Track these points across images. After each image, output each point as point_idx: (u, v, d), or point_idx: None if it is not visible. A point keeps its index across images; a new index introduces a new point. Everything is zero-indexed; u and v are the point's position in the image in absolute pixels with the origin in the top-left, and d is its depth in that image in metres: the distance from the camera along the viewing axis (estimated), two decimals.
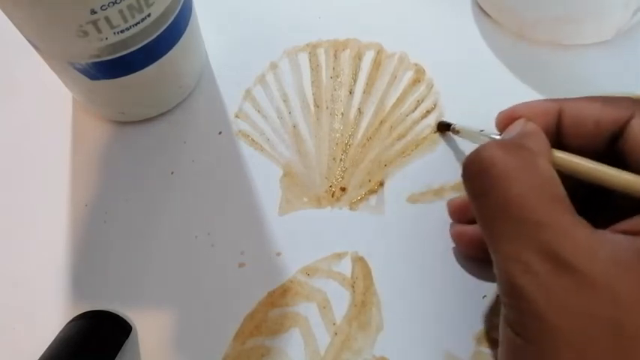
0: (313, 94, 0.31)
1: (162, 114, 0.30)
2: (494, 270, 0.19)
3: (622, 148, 0.20)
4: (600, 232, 0.17)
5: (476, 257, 0.25)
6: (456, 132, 0.28)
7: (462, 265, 0.26)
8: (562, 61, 0.31)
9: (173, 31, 0.26)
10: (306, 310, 0.26)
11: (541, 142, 0.20)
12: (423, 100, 0.30)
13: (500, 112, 0.23)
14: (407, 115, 0.30)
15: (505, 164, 0.18)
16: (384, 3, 0.33)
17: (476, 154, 0.19)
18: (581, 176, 0.20)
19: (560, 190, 0.18)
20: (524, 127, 0.21)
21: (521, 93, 0.30)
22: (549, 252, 0.16)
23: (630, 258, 0.16)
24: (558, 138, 0.22)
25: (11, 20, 0.23)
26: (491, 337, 0.25)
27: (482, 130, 0.25)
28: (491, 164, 0.19)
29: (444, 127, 0.29)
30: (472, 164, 0.20)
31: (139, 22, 0.23)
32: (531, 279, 0.17)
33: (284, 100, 0.30)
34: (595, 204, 0.21)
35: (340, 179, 0.28)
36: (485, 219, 0.19)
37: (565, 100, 0.22)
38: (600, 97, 0.21)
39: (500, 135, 0.23)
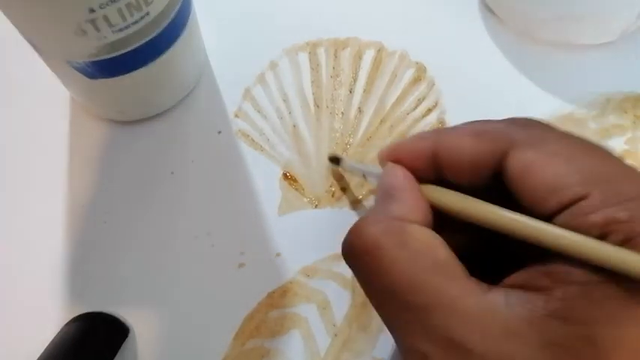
0: (313, 93, 0.30)
1: (162, 113, 0.30)
2: None
3: (506, 185, 0.18)
4: (493, 293, 0.16)
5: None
6: (344, 168, 0.27)
7: None
8: (567, 61, 0.31)
9: (172, 30, 0.26)
10: (306, 311, 0.26)
11: (407, 198, 0.19)
12: (424, 99, 0.30)
13: (380, 151, 0.21)
14: (407, 114, 0.30)
15: (378, 245, 0.17)
16: (386, 1, 0.33)
17: (352, 235, 0.18)
18: (462, 216, 0.18)
19: (442, 251, 0.17)
20: (392, 177, 0.19)
21: (524, 92, 0.30)
22: (442, 337, 0.16)
23: (523, 327, 0.15)
24: (442, 176, 0.19)
25: (9, 19, 0.23)
26: None
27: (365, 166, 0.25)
28: (365, 249, 0.17)
29: (335, 160, 0.27)
30: (352, 247, 0.18)
31: (137, 21, 0.23)
32: None
33: (284, 100, 0.30)
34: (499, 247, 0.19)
35: (340, 179, 0.28)
36: (378, 309, 0.18)
37: (439, 135, 0.19)
38: (476, 127, 0.19)
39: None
